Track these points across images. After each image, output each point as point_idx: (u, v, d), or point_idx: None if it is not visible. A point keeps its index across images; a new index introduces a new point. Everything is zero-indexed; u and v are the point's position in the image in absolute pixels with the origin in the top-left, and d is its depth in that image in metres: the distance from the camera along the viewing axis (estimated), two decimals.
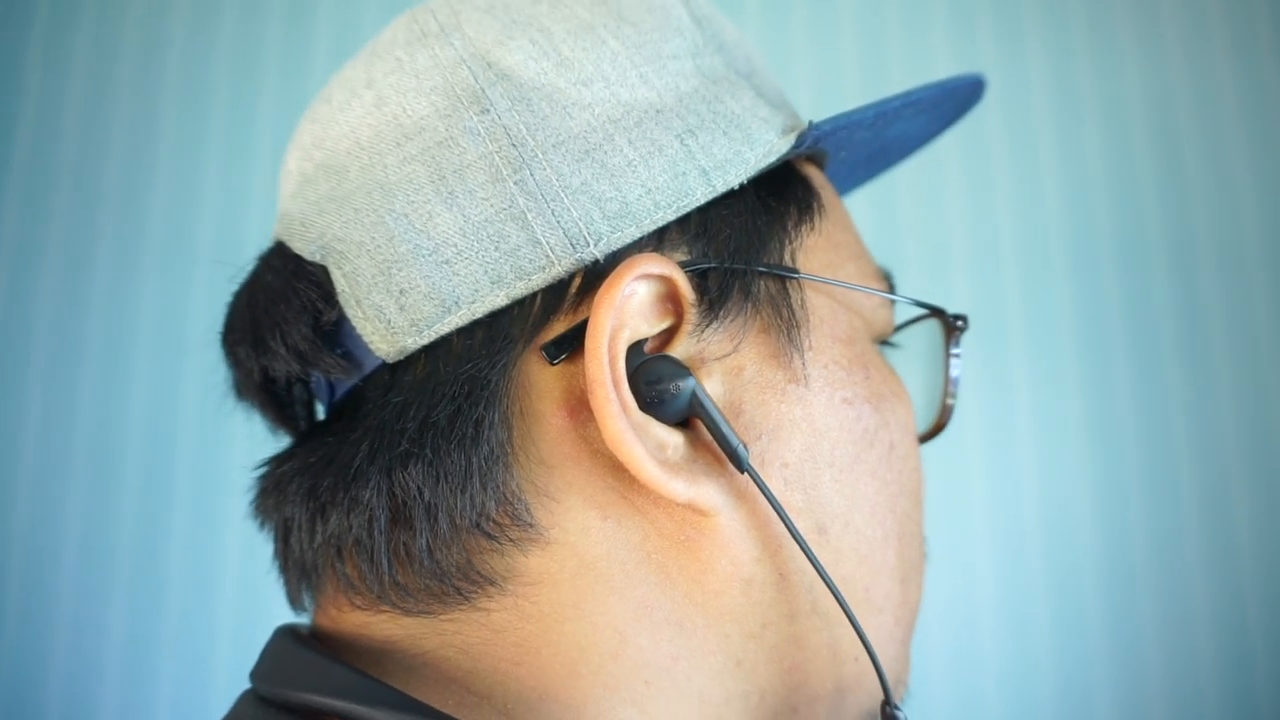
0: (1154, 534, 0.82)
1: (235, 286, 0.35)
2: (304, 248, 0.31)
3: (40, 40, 0.96)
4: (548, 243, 0.29)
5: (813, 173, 0.36)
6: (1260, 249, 0.87)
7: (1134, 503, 0.83)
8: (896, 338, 0.40)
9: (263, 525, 0.33)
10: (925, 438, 0.39)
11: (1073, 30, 0.93)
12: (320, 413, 0.38)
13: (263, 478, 0.33)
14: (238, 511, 0.84)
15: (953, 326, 0.38)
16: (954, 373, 0.39)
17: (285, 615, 0.35)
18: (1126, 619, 0.81)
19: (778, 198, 0.33)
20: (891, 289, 0.38)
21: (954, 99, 0.39)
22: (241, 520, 0.84)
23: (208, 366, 0.85)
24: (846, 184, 0.45)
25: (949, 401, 0.39)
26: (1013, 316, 0.87)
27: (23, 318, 0.90)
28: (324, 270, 0.31)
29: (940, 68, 0.92)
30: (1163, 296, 0.86)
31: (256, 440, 0.37)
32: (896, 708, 0.31)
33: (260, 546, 0.82)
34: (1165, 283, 0.87)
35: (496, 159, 0.29)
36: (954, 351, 0.39)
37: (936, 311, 0.38)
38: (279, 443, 0.36)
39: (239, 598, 0.84)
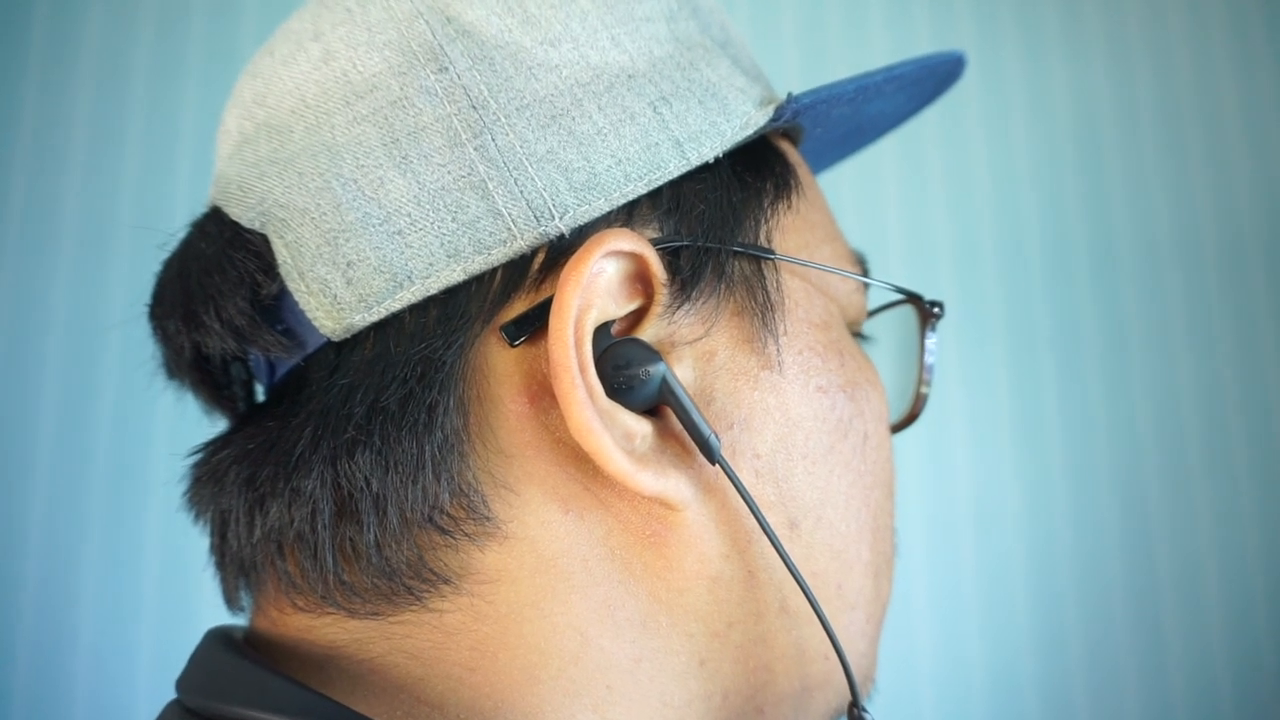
0: (1126, 526, 0.84)
1: (164, 255, 0.32)
2: (242, 214, 0.29)
3: None
4: (509, 214, 0.27)
5: (789, 149, 0.34)
6: (1217, 246, 0.89)
7: (1105, 497, 0.84)
8: (867, 327, 0.39)
9: (197, 518, 0.31)
10: (897, 427, 0.38)
11: (1047, 29, 0.93)
12: (260, 394, 0.35)
13: (197, 465, 0.30)
14: (161, 505, 0.79)
15: (929, 313, 0.37)
16: (929, 360, 0.38)
17: (215, 617, 0.32)
18: (1099, 612, 0.82)
19: (754, 173, 0.31)
20: (865, 273, 0.36)
21: (934, 76, 0.37)
22: (164, 514, 0.79)
23: (129, 344, 0.80)
24: (819, 163, 0.43)
25: (923, 390, 0.38)
26: (993, 309, 0.87)
27: None
28: (264, 239, 0.28)
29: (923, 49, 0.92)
30: (1129, 290, 0.88)
31: (183, 424, 0.34)
32: (864, 709, 0.30)
33: (185, 543, 0.77)
34: (1132, 278, 0.88)
35: (455, 121, 0.27)
36: (929, 339, 0.38)
37: (913, 297, 0.37)
38: (210, 428, 0.34)
39: (161, 597, 0.79)
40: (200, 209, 0.31)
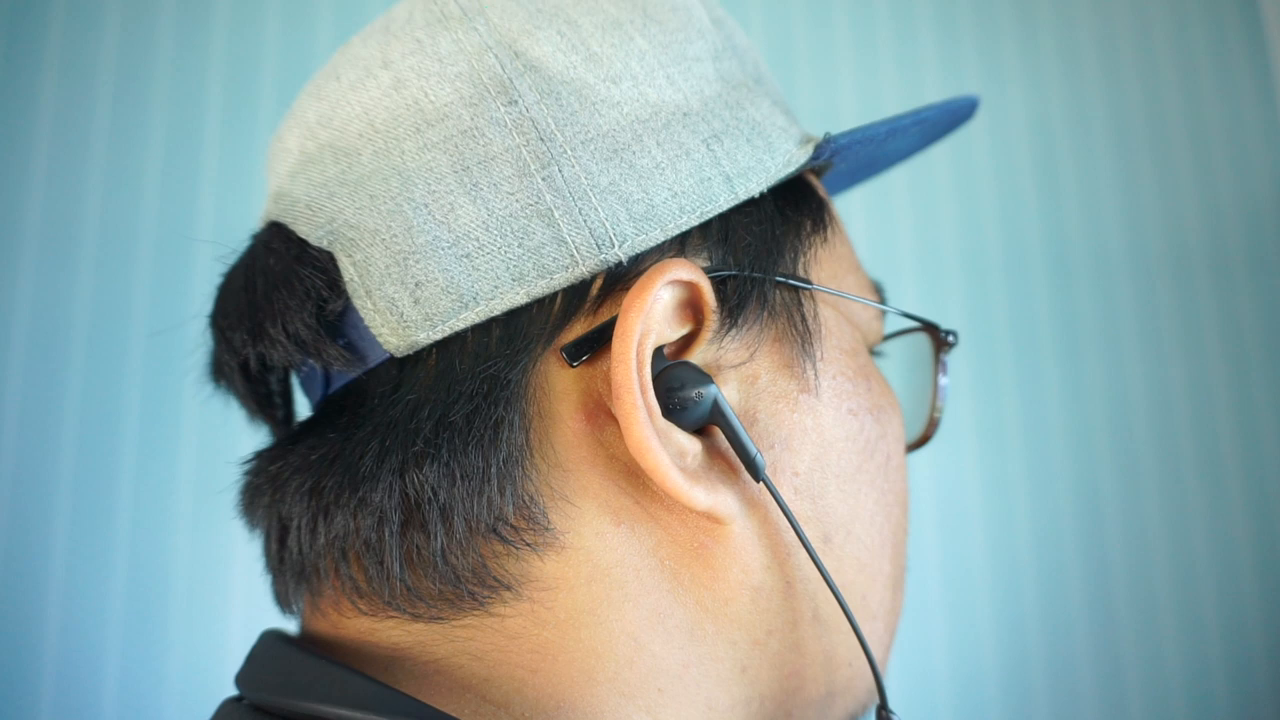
0: (1127, 527, 0.88)
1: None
2: (310, 232, 0.30)
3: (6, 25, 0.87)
4: (573, 242, 0.28)
5: (817, 183, 0.36)
6: (1206, 256, 0.95)
7: (1108, 504, 0.88)
8: (881, 348, 0.41)
9: (252, 525, 0.32)
10: (910, 448, 0.40)
11: (1044, 54, 0.98)
12: (300, 402, 0.36)
13: (253, 473, 0.31)
14: (189, 509, 0.78)
15: (943, 341, 0.39)
16: (943, 385, 0.40)
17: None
18: (1105, 615, 0.86)
19: (794, 208, 0.33)
20: (883, 301, 0.38)
21: (950, 118, 0.40)
22: (193, 518, 0.78)
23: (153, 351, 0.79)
24: (833, 190, 0.45)
25: (936, 415, 0.40)
26: (998, 323, 0.92)
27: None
28: (330, 257, 0.29)
29: (930, 89, 0.96)
30: (1126, 300, 0.94)
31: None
32: (892, 711, 0.32)
33: (212, 549, 0.76)
34: (1129, 290, 0.94)
35: (524, 152, 0.29)
36: (943, 365, 0.40)
37: (929, 326, 0.39)
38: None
39: (189, 602, 0.77)
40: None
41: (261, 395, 0.35)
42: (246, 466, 0.32)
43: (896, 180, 0.92)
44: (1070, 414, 0.90)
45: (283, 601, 0.32)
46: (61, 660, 0.76)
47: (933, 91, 0.96)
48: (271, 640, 0.29)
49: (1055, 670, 0.85)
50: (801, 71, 0.95)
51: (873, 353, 0.39)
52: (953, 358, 0.87)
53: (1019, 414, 0.90)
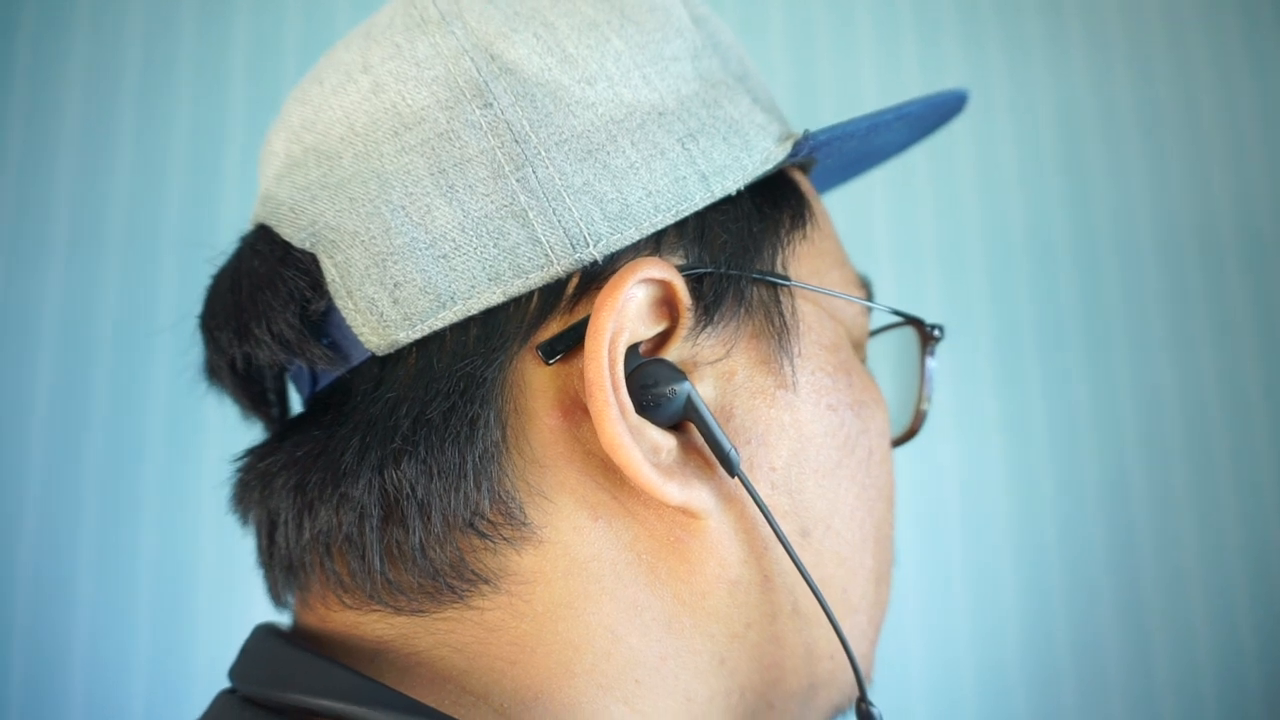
0: (1111, 524, 0.87)
1: (206, 264, 0.34)
2: (293, 234, 0.30)
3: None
4: (547, 242, 0.29)
5: (800, 179, 0.36)
6: (1197, 248, 0.93)
7: (1090, 495, 0.87)
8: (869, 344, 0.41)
9: (244, 520, 0.32)
10: (897, 442, 0.40)
11: (1030, 45, 0.96)
12: (294, 401, 0.37)
13: (243, 470, 0.32)
14: (214, 505, 0.80)
15: (929, 335, 0.39)
16: (929, 378, 0.40)
17: (264, 612, 0.34)
18: (1086, 610, 0.85)
19: (772, 205, 0.33)
20: (870, 296, 0.38)
21: (939, 112, 0.40)
22: (217, 514, 0.79)
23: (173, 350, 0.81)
24: (820, 187, 0.45)
25: (923, 407, 0.40)
26: (978, 311, 0.90)
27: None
28: (313, 258, 0.30)
29: (911, 83, 0.95)
30: (1112, 292, 0.91)
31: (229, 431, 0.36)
32: (871, 703, 0.32)
33: (238, 541, 0.78)
34: (1114, 280, 0.92)
35: (499, 154, 0.29)
36: (929, 360, 0.40)
37: (914, 321, 0.39)
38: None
39: (215, 593, 0.79)
40: (246, 216, 0.33)
41: (255, 394, 0.35)
42: (239, 463, 0.33)
43: (874, 172, 0.91)
44: (1055, 410, 0.89)
45: (274, 596, 0.32)
46: (91, 653, 0.78)
47: (915, 86, 0.94)
48: (263, 634, 0.30)
49: (1032, 665, 0.84)
50: (823, 69, 0.94)
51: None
52: (940, 350, 0.86)
53: (999, 410, 0.88)
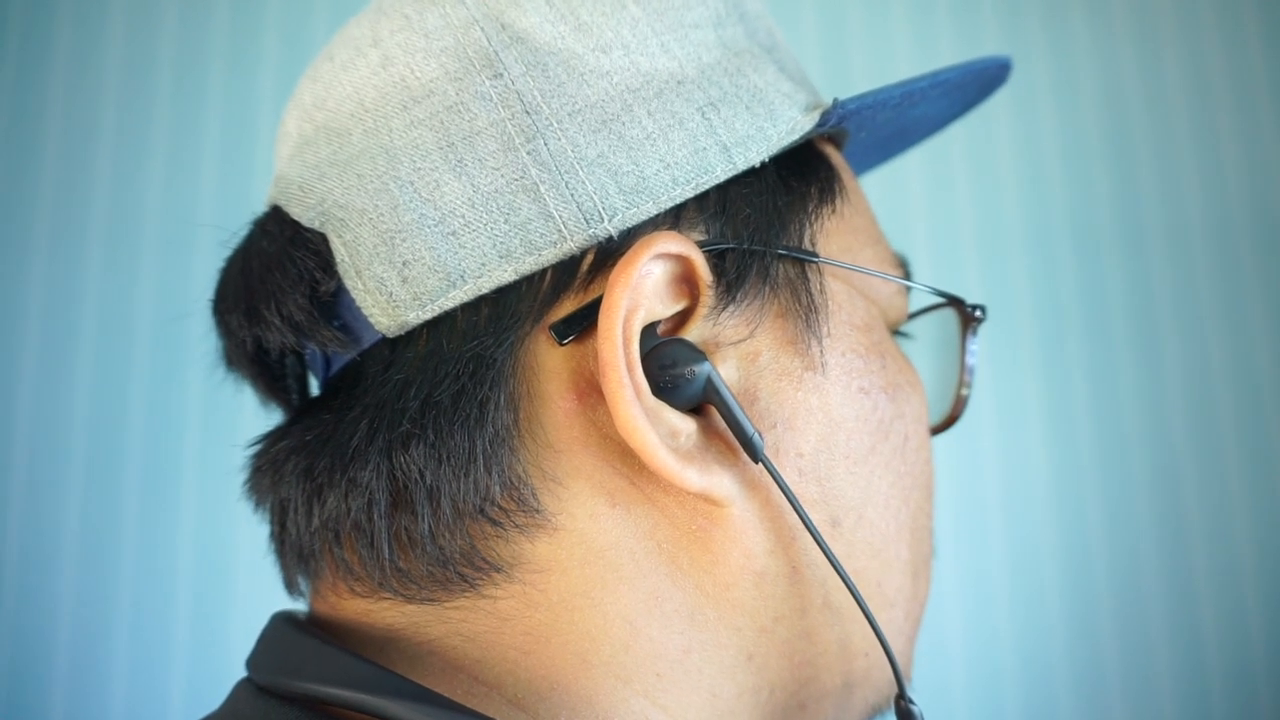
0: (1160, 514, 0.82)
1: (228, 252, 0.33)
2: (302, 214, 0.30)
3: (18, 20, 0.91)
4: (560, 217, 0.27)
5: (832, 153, 0.35)
6: (1250, 232, 0.88)
7: (1137, 484, 0.83)
8: (906, 327, 0.39)
9: (257, 506, 0.32)
10: (937, 429, 0.38)
11: (1073, 19, 0.92)
12: (314, 386, 0.37)
13: (257, 456, 0.31)
14: (195, 502, 0.80)
15: (971, 317, 0.37)
16: (970, 362, 0.38)
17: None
18: (1132, 602, 0.81)
19: (799, 177, 0.31)
20: (908, 275, 0.36)
21: (979, 81, 0.38)
22: (198, 512, 0.80)
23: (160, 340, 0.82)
24: (861, 165, 0.43)
25: (964, 392, 0.38)
26: (1021, 303, 0.86)
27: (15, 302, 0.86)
28: (323, 238, 0.29)
29: (945, 54, 0.91)
30: (1160, 278, 0.87)
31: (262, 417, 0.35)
32: (911, 700, 0.30)
33: (218, 539, 0.78)
34: (1164, 267, 0.87)
35: (509, 126, 0.28)
36: (971, 342, 0.38)
37: (955, 301, 0.37)
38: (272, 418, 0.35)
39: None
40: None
41: (274, 379, 0.35)
42: (254, 449, 0.32)
43: (910, 152, 0.87)
44: (1100, 397, 0.84)
45: (288, 583, 0.32)
46: (73, 648, 0.78)
47: (951, 62, 0.91)
48: (279, 622, 0.30)
49: (1079, 661, 0.80)
50: (854, 44, 0.92)
51: (899, 333, 0.37)
52: (981, 337, 0.82)
53: (1041, 397, 0.84)
